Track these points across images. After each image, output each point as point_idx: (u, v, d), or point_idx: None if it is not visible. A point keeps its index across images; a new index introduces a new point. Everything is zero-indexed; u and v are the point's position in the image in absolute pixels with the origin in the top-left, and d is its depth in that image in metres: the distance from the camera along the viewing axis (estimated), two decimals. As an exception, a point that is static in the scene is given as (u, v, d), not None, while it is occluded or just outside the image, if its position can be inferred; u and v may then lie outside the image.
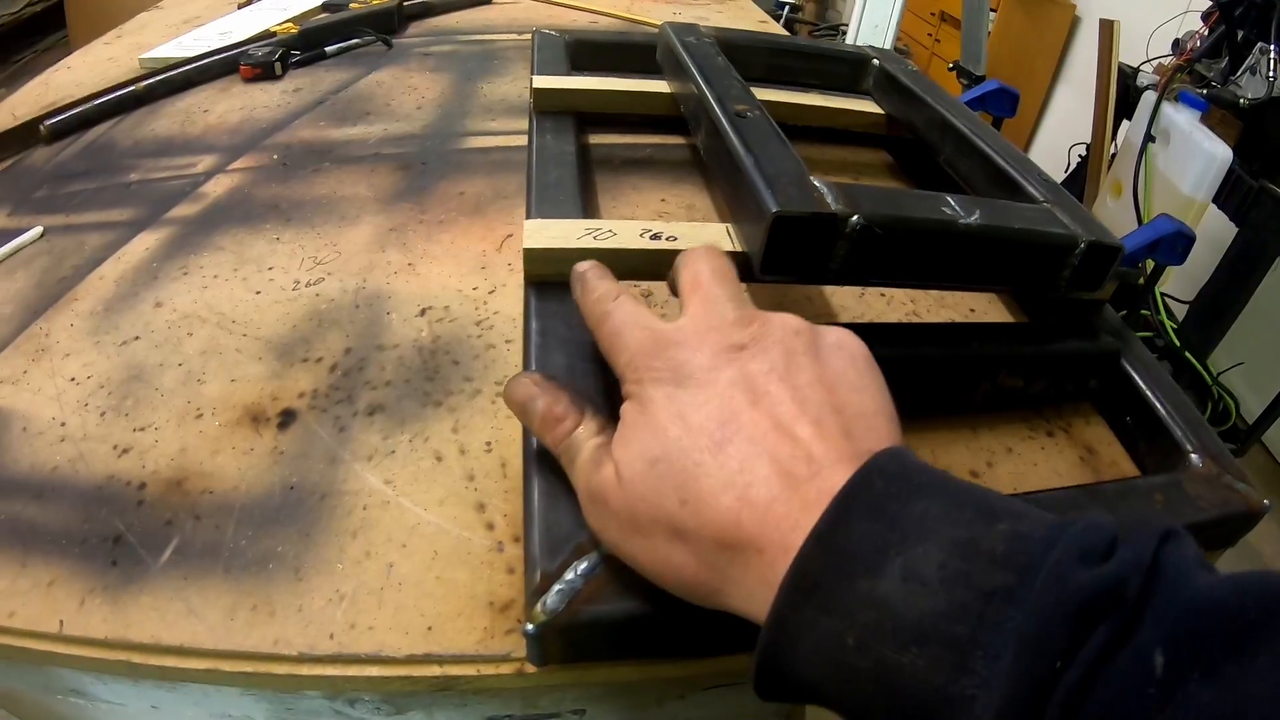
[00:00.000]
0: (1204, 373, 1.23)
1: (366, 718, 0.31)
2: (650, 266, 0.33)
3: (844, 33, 2.19)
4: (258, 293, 0.41)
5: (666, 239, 0.33)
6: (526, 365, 0.30)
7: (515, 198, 0.50)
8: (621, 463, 0.21)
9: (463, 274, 0.42)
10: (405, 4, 0.94)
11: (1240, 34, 1.31)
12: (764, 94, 0.57)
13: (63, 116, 0.67)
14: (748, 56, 0.59)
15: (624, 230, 0.33)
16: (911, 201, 0.33)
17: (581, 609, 0.23)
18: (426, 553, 0.28)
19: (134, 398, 0.35)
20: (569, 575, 0.23)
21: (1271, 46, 1.20)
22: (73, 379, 0.37)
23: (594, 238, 0.32)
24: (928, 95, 0.55)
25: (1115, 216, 1.41)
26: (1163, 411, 0.36)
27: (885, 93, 0.61)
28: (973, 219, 0.33)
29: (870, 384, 0.22)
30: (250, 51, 0.77)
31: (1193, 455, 0.34)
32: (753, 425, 0.20)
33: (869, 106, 0.61)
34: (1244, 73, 1.34)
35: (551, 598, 0.23)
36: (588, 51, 0.72)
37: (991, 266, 0.36)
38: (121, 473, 0.32)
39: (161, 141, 0.63)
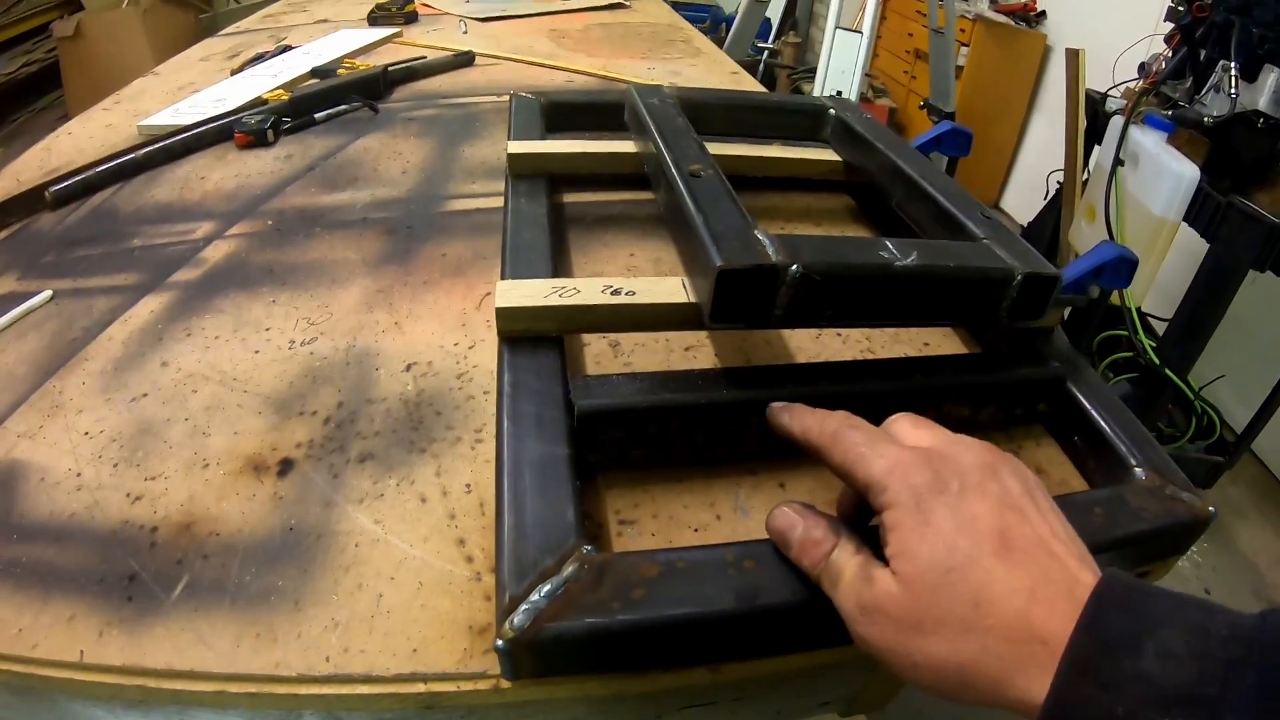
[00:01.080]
0: (1186, 389, 1.28)
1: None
2: (612, 320, 0.38)
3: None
4: (256, 352, 0.46)
5: (626, 294, 0.38)
6: (499, 415, 0.35)
7: (494, 258, 0.56)
8: (908, 574, 0.25)
9: (445, 331, 0.47)
10: (390, 69, 1.02)
11: (1202, 53, 1.40)
12: (727, 149, 0.64)
13: (67, 183, 0.73)
14: (709, 114, 0.66)
15: (587, 287, 0.38)
16: (850, 248, 0.38)
17: (545, 625, 0.27)
18: (412, 584, 0.33)
19: (144, 450, 0.40)
20: (534, 597, 0.28)
21: (1233, 64, 1.27)
22: (86, 433, 0.42)
23: (559, 295, 0.38)
24: (880, 142, 0.61)
25: (1090, 241, 1.48)
26: (1107, 430, 0.40)
27: (842, 141, 0.67)
28: (909, 260, 0.38)
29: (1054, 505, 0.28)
30: (244, 120, 0.83)
31: (1136, 469, 0.38)
32: (1023, 538, 0.25)
33: (827, 155, 0.67)
34: (1208, 91, 1.42)
35: (519, 616, 0.27)
36: (562, 112, 0.79)
37: (931, 304, 0.41)
38: (135, 518, 0.37)
39: (162, 208, 0.69)
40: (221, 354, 0.47)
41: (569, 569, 0.29)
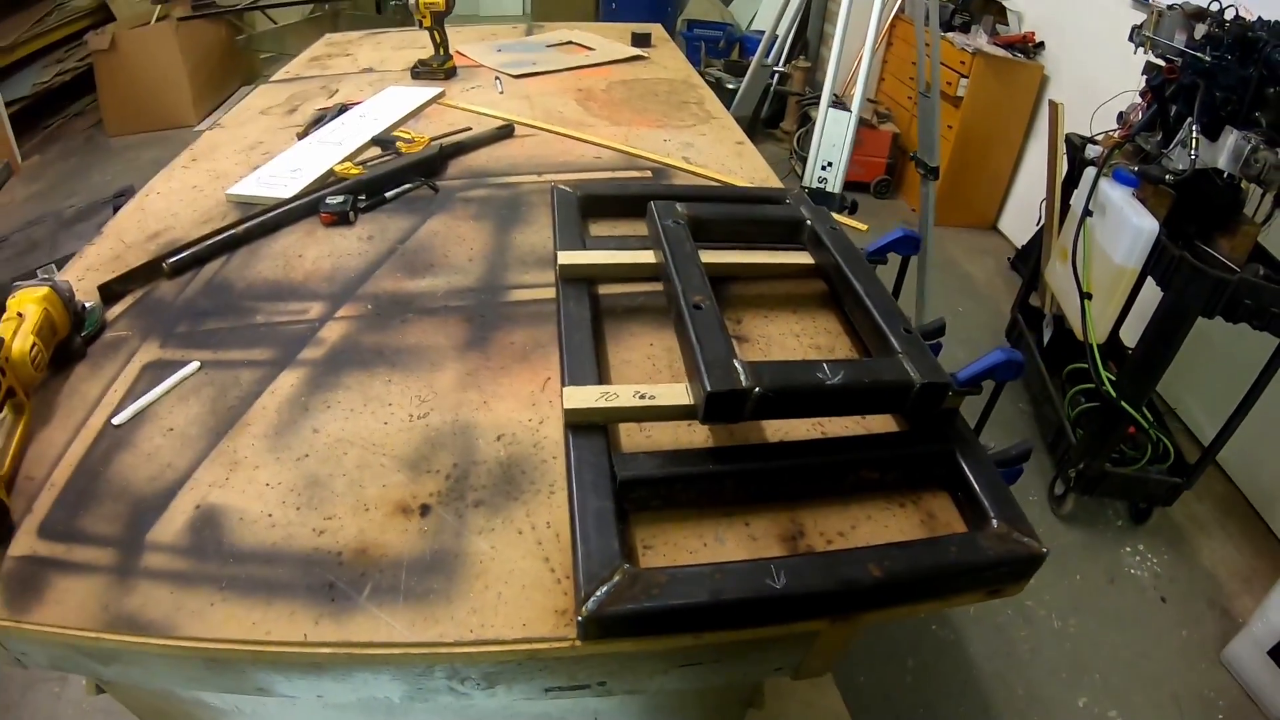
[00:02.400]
0: (1141, 420, 1.49)
1: (469, 692, 0.57)
2: (640, 415, 0.61)
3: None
4: (385, 423, 0.69)
5: (649, 398, 0.61)
6: (569, 479, 0.57)
7: (550, 346, 0.78)
8: None
9: (520, 408, 0.70)
10: (444, 146, 1.24)
11: (1173, 110, 1.59)
12: (726, 256, 0.86)
13: (181, 256, 0.94)
14: (713, 227, 0.88)
15: (623, 393, 0.61)
16: (797, 371, 0.61)
17: (605, 609, 0.49)
18: (518, 585, 0.55)
19: (318, 498, 0.62)
20: (599, 592, 0.50)
21: (1195, 124, 1.46)
22: (267, 484, 0.64)
23: (605, 400, 0.60)
24: (839, 254, 0.83)
25: (1063, 282, 1.70)
26: (977, 490, 0.61)
27: (815, 246, 0.89)
28: (837, 379, 0.60)
29: None
30: (327, 200, 1.06)
31: (993, 520, 0.59)
32: None
33: (804, 258, 0.89)
34: (1175, 146, 1.62)
35: (590, 604, 0.50)
36: (595, 204, 1.02)
37: (855, 404, 0.64)
38: (323, 545, 0.59)
39: (270, 285, 0.90)
40: (359, 424, 0.69)
41: (616, 578, 0.51)
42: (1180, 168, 1.53)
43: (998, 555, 0.57)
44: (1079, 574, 1.63)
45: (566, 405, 0.60)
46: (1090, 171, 1.66)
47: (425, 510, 0.61)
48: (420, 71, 1.63)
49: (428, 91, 1.53)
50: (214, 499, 0.62)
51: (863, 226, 1.28)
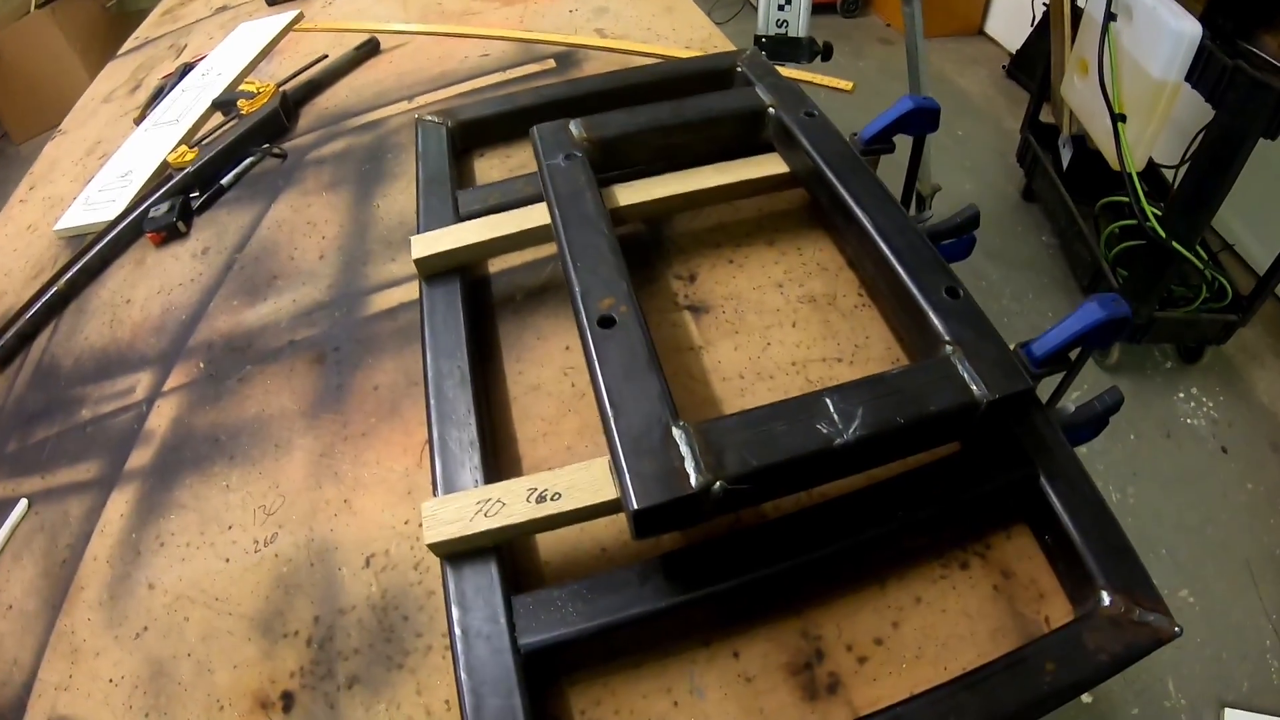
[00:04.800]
0: (1194, 259, 1.24)
1: None
2: (543, 526, 0.40)
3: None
4: (226, 561, 0.49)
5: (552, 497, 0.40)
6: (453, 653, 0.38)
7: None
8: None
9: (394, 503, 0.50)
10: (289, 92, 0.95)
11: None
12: (662, 186, 0.60)
13: (2, 341, 0.73)
14: (633, 149, 0.61)
15: (512, 498, 0.40)
16: (784, 428, 0.38)
17: None
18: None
19: (165, 694, 0.45)
20: None
21: None
22: (110, 679, 0.46)
23: (485, 515, 0.39)
24: (822, 156, 0.56)
25: (1085, 97, 1.38)
26: (1078, 540, 0.40)
27: (786, 145, 0.62)
28: (851, 432, 0.38)
29: None
30: (152, 215, 0.81)
31: (1103, 591, 0.38)
32: None
33: (771, 166, 0.62)
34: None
35: None
36: (472, 132, 0.75)
37: (884, 457, 0.41)
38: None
39: (98, 356, 0.69)
40: (197, 566, 0.50)
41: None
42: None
43: (1113, 656, 0.37)
44: (1133, 433, 1.44)
45: (429, 539, 0.39)
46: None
47: (288, 701, 0.43)
48: (275, -6, 1.28)
49: (280, 20, 1.21)
50: (63, 708, 0.46)
51: (847, 85, 0.97)
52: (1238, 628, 1.20)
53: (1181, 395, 1.51)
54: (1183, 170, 1.27)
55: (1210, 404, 1.49)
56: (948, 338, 0.43)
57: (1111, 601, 0.38)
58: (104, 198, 0.90)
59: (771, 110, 0.63)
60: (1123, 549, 0.40)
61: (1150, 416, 1.47)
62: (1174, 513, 1.32)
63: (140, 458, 0.58)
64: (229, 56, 1.13)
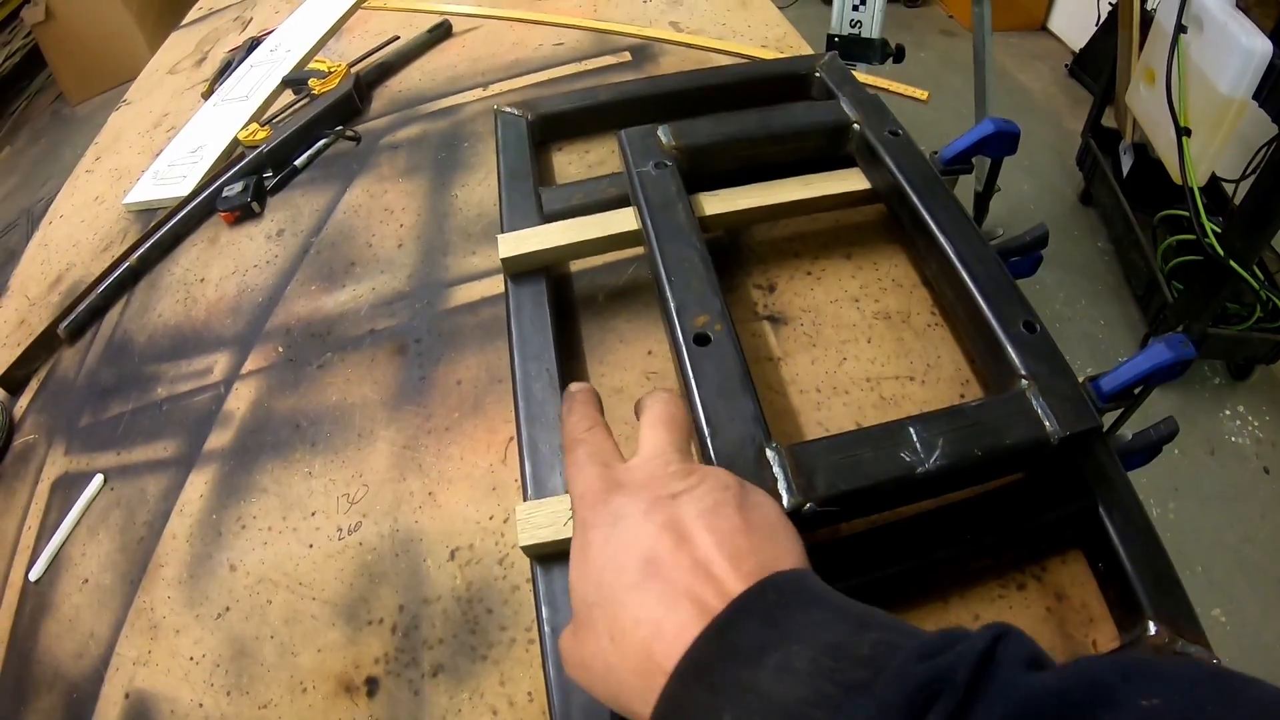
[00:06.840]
0: (1251, 281, 1.21)
1: None
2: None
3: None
4: (310, 546, 0.50)
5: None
6: (544, 662, 0.38)
7: (509, 381, 0.56)
8: (574, 609, 0.26)
9: (478, 499, 0.50)
10: (361, 74, 0.95)
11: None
12: (746, 197, 0.59)
13: (74, 315, 0.75)
14: (719, 158, 0.61)
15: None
16: (870, 455, 0.38)
17: None
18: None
19: (247, 674, 0.46)
20: None
21: None
22: (191, 657, 0.47)
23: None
24: (904, 174, 0.55)
25: (1150, 106, 1.34)
26: (1129, 570, 0.40)
27: (868, 161, 0.61)
28: (933, 461, 0.38)
29: (783, 533, 0.26)
30: (225, 195, 0.81)
31: (1150, 621, 0.38)
32: (674, 565, 0.24)
33: (853, 181, 0.61)
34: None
35: None
36: (554, 127, 0.75)
37: (959, 484, 0.42)
38: (257, 742, 0.43)
39: (172, 333, 0.70)
40: (280, 550, 0.51)
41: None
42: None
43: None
44: (1177, 448, 1.42)
45: (521, 540, 0.40)
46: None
47: (372, 686, 0.44)
48: (334, -34, 1.28)
49: (346, -3, 1.20)
50: (141, 682, 0.47)
51: (922, 95, 0.95)
52: (1268, 648, 1.19)
53: (1228, 412, 1.48)
54: (1244, 185, 1.24)
55: (1256, 423, 1.46)
56: (1023, 371, 0.43)
57: (1157, 631, 0.38)
58: (174, 173, 0.91)
59: (856, 126, 0.62)
60: (1171, 581, 0.40)
61: (1195, 432, 1.44)
62: (1212, 530, 1.30)
63: (219, 439, 0.59)
64: (297, 32, 1.13)
